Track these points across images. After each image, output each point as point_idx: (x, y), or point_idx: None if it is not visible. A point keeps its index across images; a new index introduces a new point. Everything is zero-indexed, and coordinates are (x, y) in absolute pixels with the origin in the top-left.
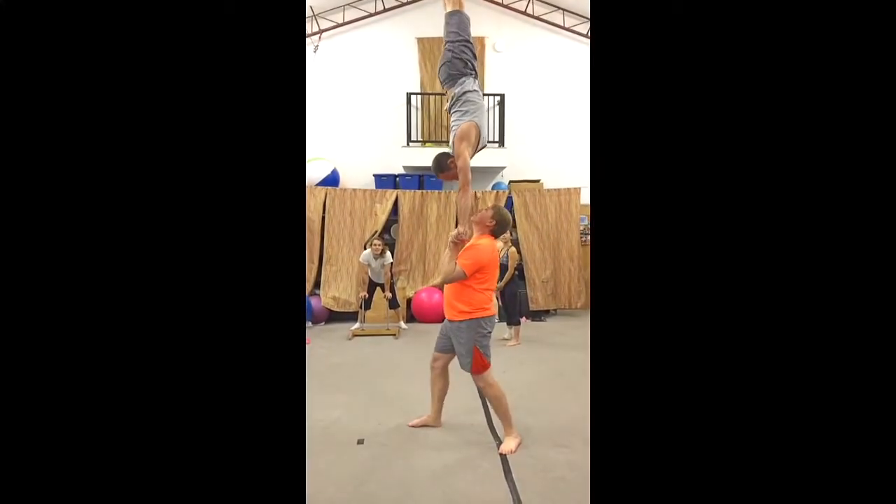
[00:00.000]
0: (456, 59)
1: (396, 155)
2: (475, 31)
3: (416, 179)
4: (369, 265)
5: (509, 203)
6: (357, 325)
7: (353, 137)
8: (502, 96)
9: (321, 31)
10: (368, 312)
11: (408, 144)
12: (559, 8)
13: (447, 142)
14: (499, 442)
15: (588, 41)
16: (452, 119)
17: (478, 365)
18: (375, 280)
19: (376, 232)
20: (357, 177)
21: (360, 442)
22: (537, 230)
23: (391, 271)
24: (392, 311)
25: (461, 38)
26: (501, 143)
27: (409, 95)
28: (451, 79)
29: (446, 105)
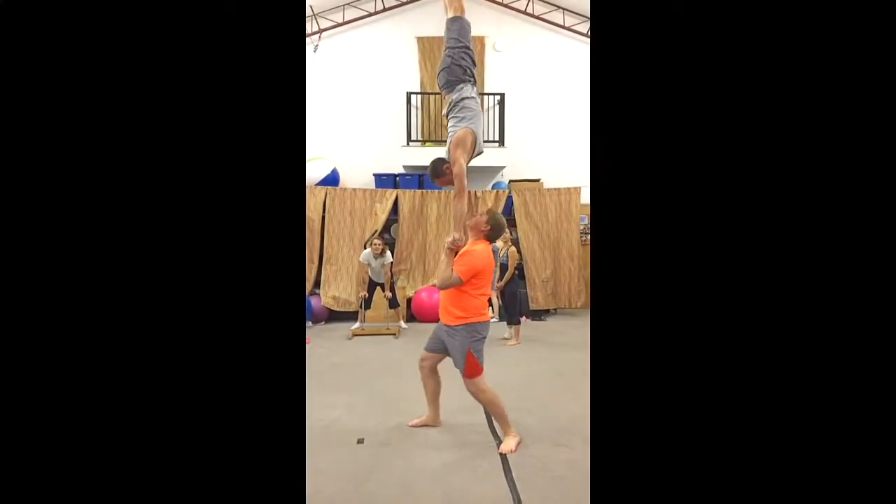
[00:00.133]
0: (455, 65)
1: (396, 154)
2: (475, 31)
3: (416, 179)
4: (369, 265)
5: (509, 202)
6: (357, 324)
7: (353, 137)
8: (502, 96)
9: (321, 31)
10: (368, 312)
11: (408, 144)
12: (559, 7)
13: (446, 142)
14: (499, 441)
15: (588, 40)
16: (449, 125)
17: (471, 369)
18: (375, 279)
19: (376, 231)
20: (357, 176)
21: (360, 441)
22: (537, 230)
23: (391, 271)
24: (392, 310)
25: (461, 44)
26: (501, 142)
27: (409, 95)
28: (450, 84)
29: (444, 110)
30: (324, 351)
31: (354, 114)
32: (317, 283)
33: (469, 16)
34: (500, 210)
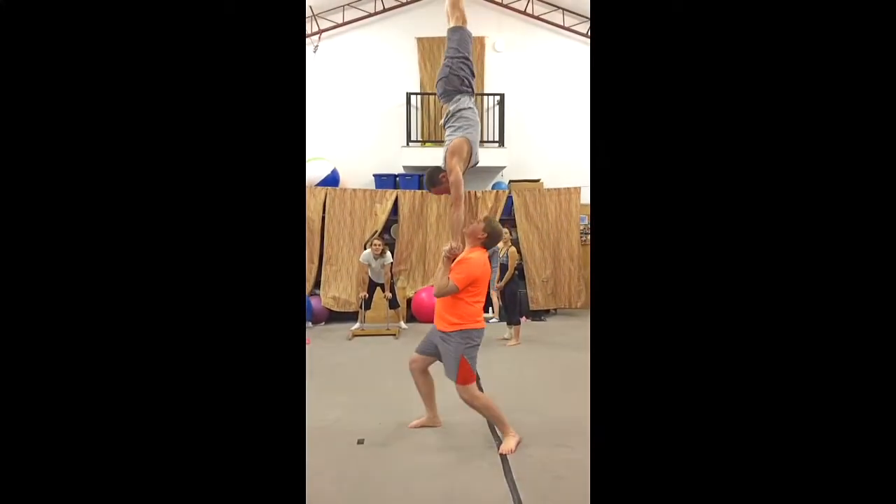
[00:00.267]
0: (453, 75)
1: (396, 155)
2: (475, 31)
3: (416, 179)
4: (369, 265)
5: (509, 202)
6: (357, 325)
7: (353, 137)
8: (502, 96)
9: (321, 32)
10: (368, 312)
11: (408, 144)
12: (559, 7)
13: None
14: (499, 441)
15: (588, 41)
16: (446, 134)
17: (463, 376)
18: (375, 280)
19: (376, 232)
20: (357, 177)
21: (360, 442)
22: (537, 230)
23: (391, 271)
24: (392, 311)
25: (460, 54)
26: (501, 142)
27: (408, 95)
28: (447, 94)
29: (441, 120)
30: (324, 351)
31: (354, 114)
32: (317, 284)
33: (469, 16)
34: (500, 210)
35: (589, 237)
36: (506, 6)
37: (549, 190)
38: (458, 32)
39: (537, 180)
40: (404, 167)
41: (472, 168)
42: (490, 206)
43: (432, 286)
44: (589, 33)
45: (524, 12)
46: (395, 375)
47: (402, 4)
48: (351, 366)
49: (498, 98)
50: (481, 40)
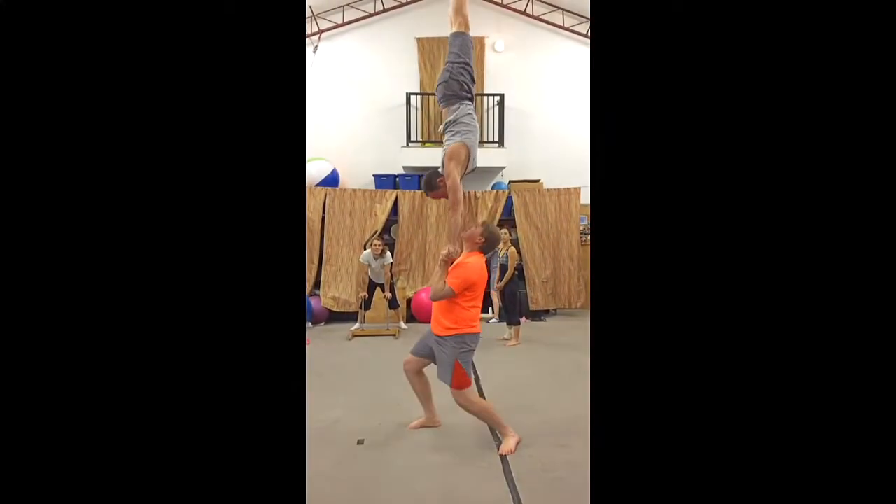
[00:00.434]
0: (453, 80)
1: (396, 155)
2: (475, 32)
3: (416, 179)
4: (369, 265)
5: (509, 203)
6: (357, 325)
7: (352, 138)
8: (502, 96)
9: (321, 32)
10: (368, 313)
11: (407, 145)
12: (559, 8)
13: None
14: (498, 442)
15: (587, 41)
16: (445, 139)
17: (458, 380)
18: (375, 280)
19: (376, 232)
20: (357, 177)
21: (360, 442)
22: (537, 230)
23: (391, 271)
24: (392, 311)
25: (461, 60)
26: (501, 143)
27: (408, 96)
28: (447, 99)
29: (440, 127)
30: (324, 352)
31: (354, 114)
32: (317, 284)
33: (469, 16)
34: (499, 210)
35: (589, 237)
36: (506, 6)
37: (548, 190)
38: (461, 38)
39: (537, 181)
40: (404, 167)
41: (470, 172)
42: (490, 206)
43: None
44: (589, 34)
45: (524, 13)
46: (395, 376)
47: (402, 4)
48: (351, 366)
49: (498, 98)
50: (481, 41)
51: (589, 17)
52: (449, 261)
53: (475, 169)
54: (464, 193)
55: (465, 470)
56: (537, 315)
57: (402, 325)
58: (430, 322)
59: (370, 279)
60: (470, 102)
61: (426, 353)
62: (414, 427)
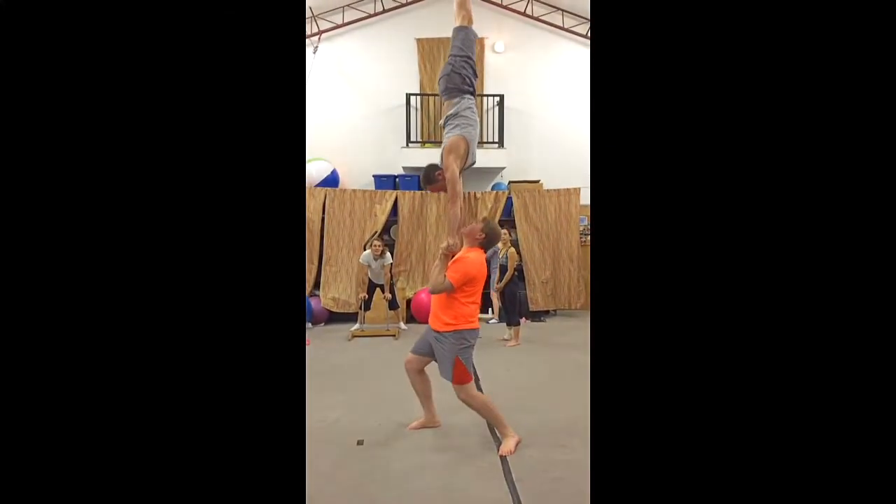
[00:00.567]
0: (455, 73)
1: (396, 155)
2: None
3: (416, 180)
4: (369, 266)
5: (509, 203)
6: (357, 325)
7: (352, 138)
8: (502, 97)
9: (320, 32)
10: (368, 313)
11: (407, 145)
12: (558, 9)
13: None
14: (498, 442)
15: (587, 42)
16: (445, 132)
17: (459, 376)
18: (375, 281)
19: (376, 233)
20: (357, 177)
21: (360, 443)
22: (537, 231)
23: (391, 272)
24: (392, 311)
25: (463, 53)
26: (501, 143)
27: (408, 96)
28: (448, 92)
29: (441, 120)
30: (323, 352)
31: (354, 115)
32: (316, 285)
33: (476, 33)
34: (499, 211)
35: (588, 238)
36: (505, 7)
37: (548, 191)
38: (463, 32)
39: (537, 181)
40: (404, 168)
41: (470, 168)
42: (490, 206)
43: None
44: (588, 34)
45: (524, 13)
46: (395, 376)
47: (402, 5)
48: (350, 366)
49: (498, 99)
50: (481, 41)
51: (589, 17)
52: (449, 254)
53: (474, 163)
54: (463, 194)
55: (465, 470)
56: (537, 316)
57: (402, 325)
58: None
59: (370, 280)
60: (471, 96)
61: (427, 352)
62: (413, 428)
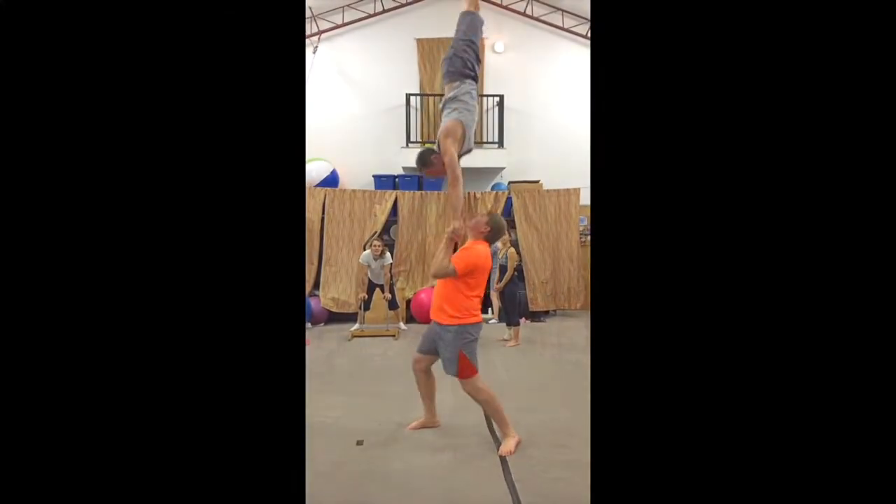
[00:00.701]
0: (456, 56)
1: (396, 156)
2: None
3: (416, 180)
4: (369, 266)
5: (509, 204)
6: (356, 325)
7: (352, 138)
8: (502, 97)
9: (320, 33)
10: (368, 313)
11: (407, 145)
12: (558, 9)
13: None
14: (498, 442)
15: (587, 42)
16: (443, 116)
17: (464, 370)
18: (375, 281)
19: (376, 233)
20: (356, 178)
21: (360, 443)
22: (536, 231)
23: (391, 272)
24: (391, 311)
25: (466, 37)
26: (500, 143)
27: (408, 96)
28: (449, 76)
29: (440, 105)
30: (323, 352)
31: (354, 115)
32: (316, 285)
33: (483, 19)
34: (499, 211)
35: (588, 238)
36: (506, 7)
37: (548, 191)
38: (468, 17)
39: (537, 181)
40: (404, 168)
41: (468, 164)
42: (490, 207)
43: (432, 287)
44: (588, 34)
45: (524, 13)
46: (395, 376)
47: (402, 5)
48: (350, 366)
49: (497, 99)
50: (481, 42)
51: (589, 18)
52: (454, 238)
53: (471, 150)
54: (463, 194)
55: (465, 470)
56: (537, 316)
57: (402, 325)
58: (429, 323)
59: (370, 280)
60: (473, 81)
61: (433, 350)
62: (413, 428)
